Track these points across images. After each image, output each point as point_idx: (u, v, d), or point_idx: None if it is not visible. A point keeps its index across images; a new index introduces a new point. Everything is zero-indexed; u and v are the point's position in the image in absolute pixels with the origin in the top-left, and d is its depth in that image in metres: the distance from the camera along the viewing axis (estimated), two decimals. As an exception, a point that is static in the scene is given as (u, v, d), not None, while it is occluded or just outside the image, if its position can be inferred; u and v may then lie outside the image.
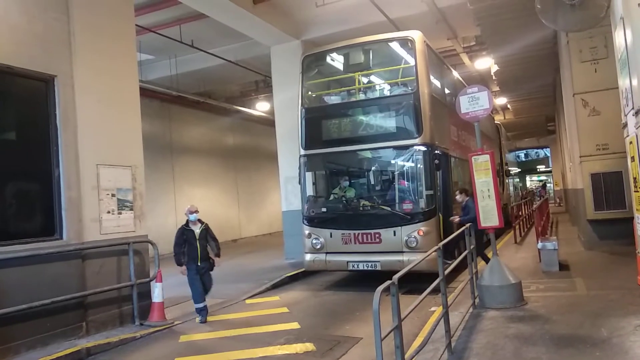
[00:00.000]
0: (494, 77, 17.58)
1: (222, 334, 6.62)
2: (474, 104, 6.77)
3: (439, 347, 4.73)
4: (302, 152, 9.47)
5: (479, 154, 6.75)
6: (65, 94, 6.65)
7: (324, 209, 9.44)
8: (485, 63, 16.00)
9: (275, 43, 12.97)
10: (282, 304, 8.22)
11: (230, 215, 20.42)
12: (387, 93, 9.69)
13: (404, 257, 8.17)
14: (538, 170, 45.60)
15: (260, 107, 20.30)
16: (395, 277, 3.54)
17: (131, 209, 7.39)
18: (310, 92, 10.07)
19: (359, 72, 9.61)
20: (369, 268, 8.54)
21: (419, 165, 8.61)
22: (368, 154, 9.31)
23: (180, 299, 8.35)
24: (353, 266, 8.73)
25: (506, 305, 6.24)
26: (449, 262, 6.18)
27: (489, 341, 5.01)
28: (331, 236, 8.92)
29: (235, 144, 21.30)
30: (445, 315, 4.82)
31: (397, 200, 8.83)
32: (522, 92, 20.33)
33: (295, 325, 6.74)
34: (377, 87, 10.06)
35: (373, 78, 10.29)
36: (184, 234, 7.31)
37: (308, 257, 9.15)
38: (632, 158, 5.19)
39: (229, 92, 20.04)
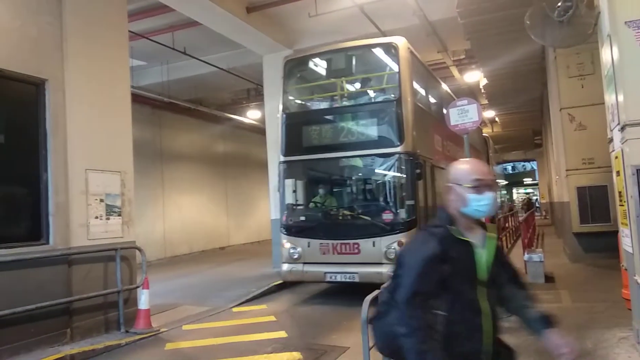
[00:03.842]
0: (482, 91, 17.79)
1: (208, 342, 6.58)
2: (464, 116, 6.87)
3: (426, 357, 4.75)
4: (282, 158, 9.23)
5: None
6: (55, 98, 6.61)
7: (302, 218, 9.18)
8: (475, 76, 16.18)
9: (267, 52, 13.01)
10: (269, 312, 8.19)
11: (219, 222, 20.33)
12: (369, 100, 9.48)
13: (383, 269, 7.82)
14: (525, 183, 46.04)
15: (251, 115, 20.30)
16: (384, 286, 3.55)
17: (119, 215, 7.35)
18: (291, 98, 9.89)
19: (342, 78, 9.46)
20: (347, 279, 8.24)
21: (400, 175, 8.35)
22: (348, 162, 9.04)
23: (167, 307, 8.29)
24: (331, 277, 8.41)
25: (493, 316, 6.26)
26: None
27: (475, 352, 5.03)
28: (309, 246, 8.61)
29: (225, 151, 21.27)
30: (433, 326, 4.83)
31: (376, 210, 8.61)
32: (510, 105, 20.56)
33: (282, 334, 6.72)
34: (360, 94, 9.81)
35: (356, 84, 10.12)
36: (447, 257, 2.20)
37: (285, 267, 8.84)
38: (618, 172, 5.28)
39: (220, 100, 20.02)
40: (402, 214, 8.22)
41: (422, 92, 10.10)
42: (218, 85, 17.00)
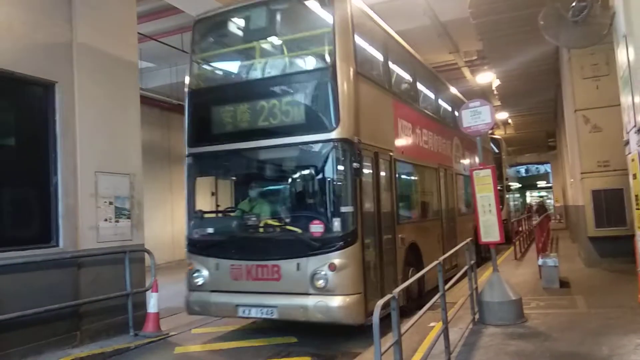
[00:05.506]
0: (495, 92, 17.63)
1: (218, 346, 6.54)
2: (476, 118, 6.76)
3: (437, 364, 4.66)
4: (187, 150, 7.15)
5: (481, 169, 6.72)
6: (65, 100, 6.62)
7: (209, 231, 6.97)
8: (487, 78, 16.05)
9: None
10: (279, 316, 8.10)
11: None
12: (296, 69, 7.05)
13: (310, 302, 5.86)
14: (538, 186, 45.62)
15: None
16: (396, 290, 3.48)
17: (129, 217, 7.34)
18: (199, 70, 7.63)
19: (261, 41, 7.12)
20: (264, 315, 6.25)
21: (334, 171, 6.13)
22: (267, 154, 6.74)
23: (176, 310, 8.25)
24: (244, 312, 6.33)
25: (506, 321, 6.16)
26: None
27: (488, 358, 4.94)
28: (217, 268, 6.55)
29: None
30: (445, 331, 4.75)
31: (302, 220, 6.30)
32: (523, 107, 20.38)
33: (292, 339, 6.64)
34: (284, 61, 7.15)
35: (280, 49, 7.31)
36: None
37: (190, 296, 6.76)
38: (634, 175, 5.15)
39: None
40: (336, 225, 5.98)
41: (377, 61, 7.81)
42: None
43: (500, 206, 7.00)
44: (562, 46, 10.27)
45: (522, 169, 43.75)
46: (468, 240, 6.72)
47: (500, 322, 6.15)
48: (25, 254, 5.92)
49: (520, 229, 16.59)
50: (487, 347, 5.29)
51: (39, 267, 6.03)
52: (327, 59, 6.45)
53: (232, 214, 7.27)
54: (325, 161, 6.18)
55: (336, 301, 5.74)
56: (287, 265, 6.10)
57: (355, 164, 5.98)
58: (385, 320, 3.52)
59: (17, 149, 6.33)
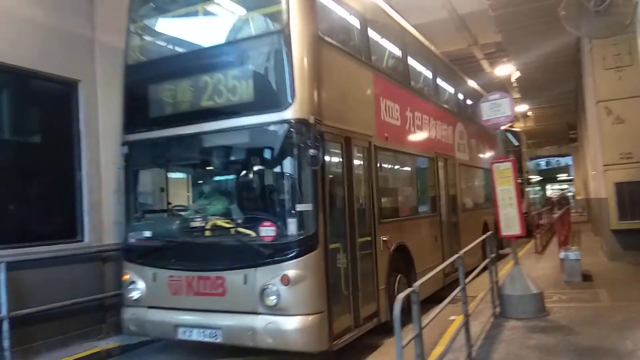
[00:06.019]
0: (514, 84, 17.42)
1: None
2: (496, 110, 6.72)
3: (458, 357, 4.67)
4: (123, 138, 6.01)
5: (501, 162, 6.69)
6: (88, 98, 6.76)
7: (146, 234, 5.77)
8: (506, 70, 15.87)
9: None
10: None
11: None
12: (245, 34, 5.89)
13: (259, 323, 4.78)
14: (559, 178, 45.00)
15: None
16: (416, 284, 3.50)
17: (151, 213, 7.46)
18: (138, 42, 6.40)
19: (204, 3, 5.95)
20: (207, 339, 5.15)
21: (287, 160, 4.98)
22: (212, 141, 5.53)
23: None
24: (184, 333, 5.26)
25: (528, 315, 6.14)
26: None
27: (510, 351, 4.93)
28: (155, 280, 5.47)
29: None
30: (466, 325, 4.75)
31: (250, 222, 5.18)
32: (544, 99, 20.14)
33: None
34: (230, 26, 6.05)
35: (226, 12, 6.19)
36: None
37: (125, 312, 5.71)
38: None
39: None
40: (291, 227, 4.83)
41: (353, 28, 6.50)
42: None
43: (521, 199, 6.96)
44: (584, 37, 10.10)
45: (543, 162, 43.19)
46: (489, 233, 6.70)
47: (521, 316, 6.13)
48: (51, 249, 6.08)
49: (541, 222, 16.42)
50: (508, 341, 5.28)
51: (65, 261, 6.19)
52: (281, 20, 5.18)
53: (171, 214, 6.11)
54: (278, 148, 5.00)
55: (291, 323, 4.66)
56: (233, 278, 4.99)
57: (312, 151, 4.75)
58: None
59: (43, 146, 6.50)
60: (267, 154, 5.22)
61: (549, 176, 43.22)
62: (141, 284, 5.57)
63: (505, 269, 8.52)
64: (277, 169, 5.18)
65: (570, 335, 5.35)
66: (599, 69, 10.72)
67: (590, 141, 14.22)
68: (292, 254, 4.77)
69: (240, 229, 5.19)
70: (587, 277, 8.56)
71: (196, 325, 5.19)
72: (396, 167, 7.74)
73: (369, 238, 5.93)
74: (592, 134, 12.65)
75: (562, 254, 8.85)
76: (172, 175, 6.50)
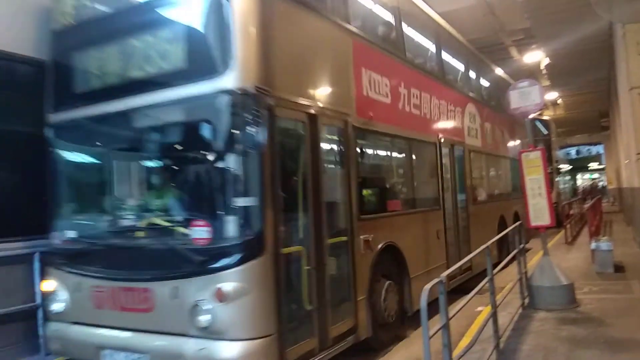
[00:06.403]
0: (544, 71, 17.06)
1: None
2: (525, 98, 6.61)
3: (486, 348, 4.64)
4: (47, 119, 4.91)
5: (530, 151, 6.59)
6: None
7: (70, 235, 4.75)
8: (535, 57, 15.54)
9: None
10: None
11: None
12: None
13: (189, 348, 3.77)
14: (589, 168, 44.00)
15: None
16: (444, 274, 3.48)
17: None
18: (62, 4, 5.17)
19: None
20: None
21: (225, 142, 3.85)
22: (140, 120, 4.46)
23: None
24: (108, 357, 4.24)
25: (557, 306, 6.05)
26: None
27: (539, 343, 4.88)
28: (79, 289, 4.48)
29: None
30: (494, 315, 4.71)
31: (181, 221, 4.21)
32: (574, 86, 19.66)
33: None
34: None
35: None
36: None
37: (47, 328, 4.75)
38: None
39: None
40: (229, 227, 3.78)
41: None
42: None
43: (550, 189, 6.83)
44: (616, 21, 9.81)
45: (573, 151, 42.28)
46: (517, 224, 6.61)
47: (551, 307, 6.05)
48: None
49: (571, 212, 16.11)
50: (537, 332, 5.22)
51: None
52: None
53: (95, 212, 5.05)
54: (212, 126, 3.96)
55: (228, 350, 3.64)
56: (161, 290, 3.97)
57: (253, 129, 3.75)
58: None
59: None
60: (201, 134, 4.05)
61: (579, 165, 42.34)
62: (64, 295, 4.55)
63: (532, 260, 8.40)
64: (212, 154, 4.00)
65: (602, 327, 5.26)
66: (632, 55, 10.39)
67: (623, 129, 13.84)
68: (229, 262, 3.72)
69: (171, 231, 4.20)
70: (619, 269, 8.38)
71: (121, 347, 4.17)
72: (386, 152, 6.59)
73: (343, 238, 4.90)
74: (625, 121, 12.31)
75: (593, 245, 8.67)
76: (100, 162, 5.22)
